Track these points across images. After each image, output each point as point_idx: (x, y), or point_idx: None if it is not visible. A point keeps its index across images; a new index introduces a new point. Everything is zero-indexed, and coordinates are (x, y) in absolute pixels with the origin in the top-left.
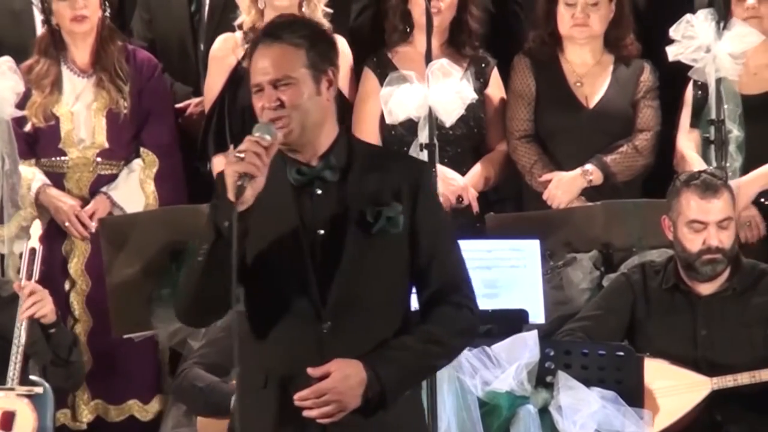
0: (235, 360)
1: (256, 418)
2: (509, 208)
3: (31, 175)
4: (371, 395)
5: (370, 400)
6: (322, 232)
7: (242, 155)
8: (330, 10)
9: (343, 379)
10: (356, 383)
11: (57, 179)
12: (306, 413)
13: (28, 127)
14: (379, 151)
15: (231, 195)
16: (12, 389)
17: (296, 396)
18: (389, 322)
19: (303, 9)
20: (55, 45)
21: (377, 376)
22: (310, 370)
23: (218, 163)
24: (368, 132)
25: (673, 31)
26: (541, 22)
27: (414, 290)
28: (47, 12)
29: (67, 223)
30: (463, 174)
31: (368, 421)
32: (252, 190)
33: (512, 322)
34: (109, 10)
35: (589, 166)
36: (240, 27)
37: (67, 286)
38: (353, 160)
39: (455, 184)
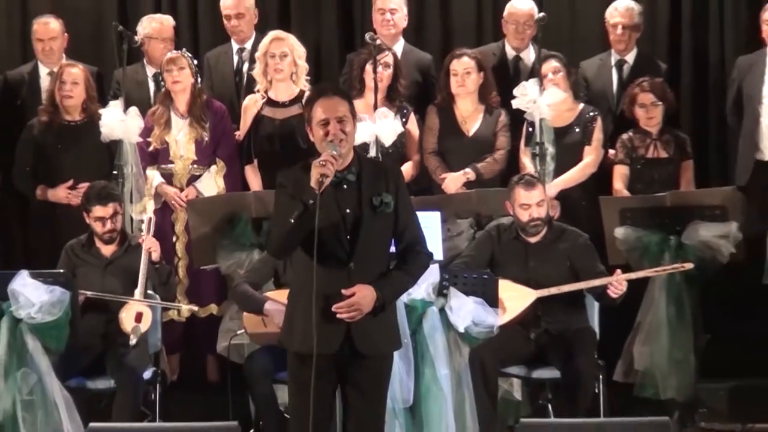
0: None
1: (304, 322)
2: (427, 194)
3: (152, 176)
4: (377, 305)
5: (376, 308)
6: (348, 211)
7: (324, 162)
8: (308, 78)
9: (363, 296)
10: (371, 299)
11: (168, 178)
12: (339, 316)
13: (150, 148)
14: (375, 162)
15: (314, 185)
16: (139, 299)
17: (334, 306)
18: (384, 262)
19: (293, 78)
20: (168, 98)
21: (382, 294)
22: (343, 291)
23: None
24: None
25: (515, 91)
26: (442, 86)
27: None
28: (161, 79)
29: (172, 201)
30: None
31: (374, 319)
32: (325, 183)
33: None
34: (200, 79)
35: (467, 170)
36: (258, 91)
37: (174, 239)
38: (362, 168)
39: None
